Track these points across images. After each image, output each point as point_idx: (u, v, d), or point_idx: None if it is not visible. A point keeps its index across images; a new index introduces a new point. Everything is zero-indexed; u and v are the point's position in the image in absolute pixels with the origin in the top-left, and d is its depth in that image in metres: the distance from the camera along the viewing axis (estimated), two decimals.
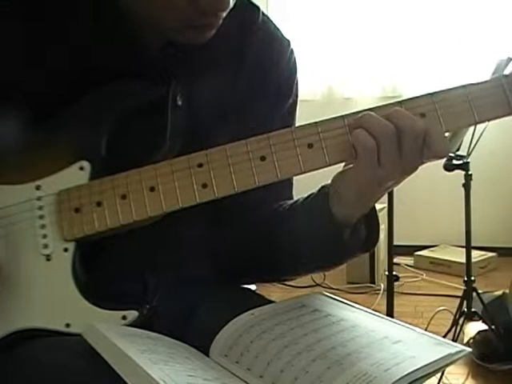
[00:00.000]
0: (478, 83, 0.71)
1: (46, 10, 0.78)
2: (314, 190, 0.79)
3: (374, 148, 0.68)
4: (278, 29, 0.91)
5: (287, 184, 0.90)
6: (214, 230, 0.87)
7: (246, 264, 0.87)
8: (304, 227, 0.78)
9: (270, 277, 0.92)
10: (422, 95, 0.71)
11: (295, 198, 0.86)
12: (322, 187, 0.77)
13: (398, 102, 0.71)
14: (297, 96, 0.92)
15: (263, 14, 0.90)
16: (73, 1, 0.79)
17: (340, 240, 0.75)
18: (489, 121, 0.71)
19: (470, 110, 0.70)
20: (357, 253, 0.78)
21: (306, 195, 0.81)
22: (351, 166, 0.72)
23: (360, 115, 0.70)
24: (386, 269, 2.25)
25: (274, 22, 0.91)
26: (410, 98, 0.72)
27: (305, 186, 0.90)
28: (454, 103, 0.71)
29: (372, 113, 0.70)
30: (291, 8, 3.67)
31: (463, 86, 0.71)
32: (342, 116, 0.72)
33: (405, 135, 0.68)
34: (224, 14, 0.74)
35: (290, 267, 0.85)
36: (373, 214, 0.77)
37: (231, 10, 0.74)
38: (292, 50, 0.91)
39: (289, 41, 0.92)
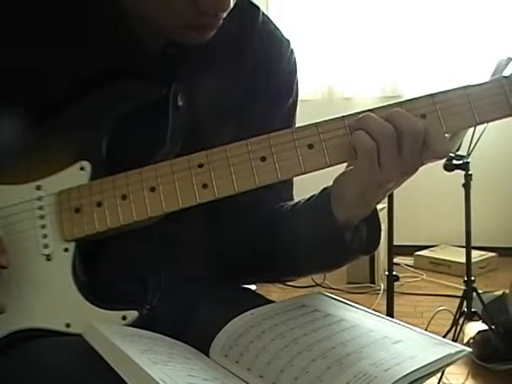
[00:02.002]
0: (478, 84, 0.71)
1: (45, 10, 0.78)
2: (315, 190, 0.79)
3: (373, 149, 0.68)
4: (278, 29, 0.91)
5: (287, 184, 0.90)
6: (214, 230, 0.87)
7: (246, 264, 0.87)
8: (305, 229, 0.78)
9: (271, 277, 0.92)
10: (423, 96, 0.71)
11: (297, 199, 0.86)
12: (324, 189, 0.77)
13: (399, 102, 0.71)
14: (297, 96, 0.92)
15: (263, 14, 0.90)
16: (73, 1, 0.79)
17: (341, 242, 0.75)
18: (489, 122, 0.71)
19: (470, 111, 0.70)
20: (358, 255, 0.78)
21: (307, 197, 0.81)
22: (352, 167, 0.72)
23: (360, 116, 0.70)
24: (386, 269, 2.25)
25: (273, 22, 0.91)
26: (411, 99, 0.71)
27: (305, 186, 0.90)
28: (454, 104, 0.70)
29: (372, 114, 0.70)
30: (291, 8, 3.67)
31: (464, 87, 0.71)
32: (343, 117, 0.71)
33: (404, 136, 0.67)
34: (224, 15, 0.74)
35: (291, 268, 0.85)
36: (375, 217, 0.77)
37: (231, 10, 0.74)
38: (292, 50, 0.91)
39: (289, 41, 0.92)
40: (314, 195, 0.79)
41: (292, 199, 0.91)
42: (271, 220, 0.84)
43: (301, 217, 0.80)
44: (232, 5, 0.73)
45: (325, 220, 0.75)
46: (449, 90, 0.71)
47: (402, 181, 0.72)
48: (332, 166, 0.72)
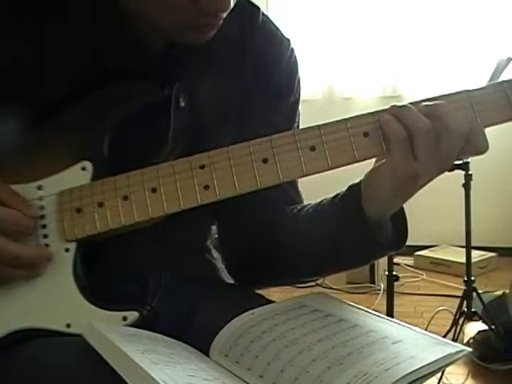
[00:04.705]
0: (480, 88, 0.70)
1: (46, 11, 0.78)
2: (315, 190, 0.78)
3: (405, 139, 0.66)
4: (277, 29, 0.91)
5: (293, 184, 0.89)
6: (217, 230, 0.87)
7: (247, 266, 0.87)
8: (335, 229, 0.75)
9: (272, 280, 0.91)
10: (424, 99, 0.70)
11: (319, 200, 0.82)
12: (351, 187, 0.75)
13: (396, 105, 0.70)
14: (299, 94, 0.92)
15: (263, 14, 0.90)
16: (74, 1, 0.79)
17: (373, 240, 0.72)
18: (492, 125, 0.70)
19: (473, 114, 0.69)
20: (388, 251, 0.75)
21: (331, 196, 0.78)
22: (383, 161, 0.70)
23: (402, 106, 0.68)
24: (386, 269, 2.25)
25: (273, 21, 0.91)
26: (412, 102, 0.70)
27: (307, 187, 0.90)
28: (456, 107, 0.70)
29: (411, 106, 0.68)
30: (291, 8, 3.67)
31: (466, 91, 0.70)
32: (345, 119, 0.71)
33: (450, 133, 0.66)
34: (224, 15, 0.74)
35: (306, 270, 0.82)
36: (399, 210, 0.75)
37: (231, 10, 0.74)
38: (292, 49, 0.91)
39: (289, 40, 0.92)
40: (339, 194, 0.77)
41: (300, 198, 0.90)
42: (284, 221, 0.83)
43: (329, 217, 0.77)
44: (232, 5, 0.73)
45: (356, 219, 0.72)
46: (451, 94, 0.70)
47: (437, 176, 0.70)
48: (334, 168, 0.71)
